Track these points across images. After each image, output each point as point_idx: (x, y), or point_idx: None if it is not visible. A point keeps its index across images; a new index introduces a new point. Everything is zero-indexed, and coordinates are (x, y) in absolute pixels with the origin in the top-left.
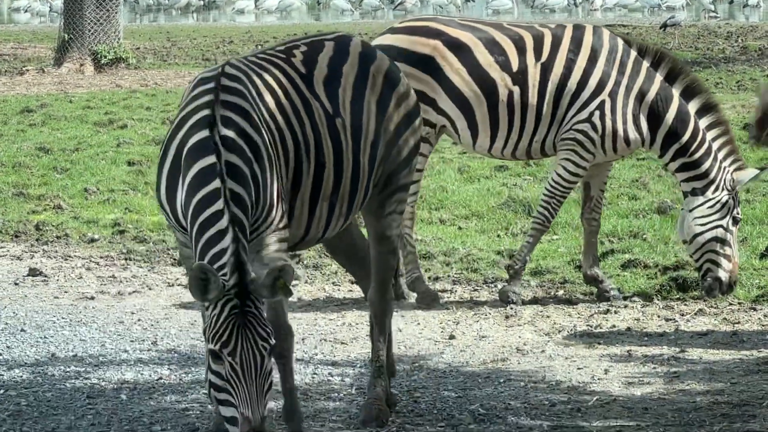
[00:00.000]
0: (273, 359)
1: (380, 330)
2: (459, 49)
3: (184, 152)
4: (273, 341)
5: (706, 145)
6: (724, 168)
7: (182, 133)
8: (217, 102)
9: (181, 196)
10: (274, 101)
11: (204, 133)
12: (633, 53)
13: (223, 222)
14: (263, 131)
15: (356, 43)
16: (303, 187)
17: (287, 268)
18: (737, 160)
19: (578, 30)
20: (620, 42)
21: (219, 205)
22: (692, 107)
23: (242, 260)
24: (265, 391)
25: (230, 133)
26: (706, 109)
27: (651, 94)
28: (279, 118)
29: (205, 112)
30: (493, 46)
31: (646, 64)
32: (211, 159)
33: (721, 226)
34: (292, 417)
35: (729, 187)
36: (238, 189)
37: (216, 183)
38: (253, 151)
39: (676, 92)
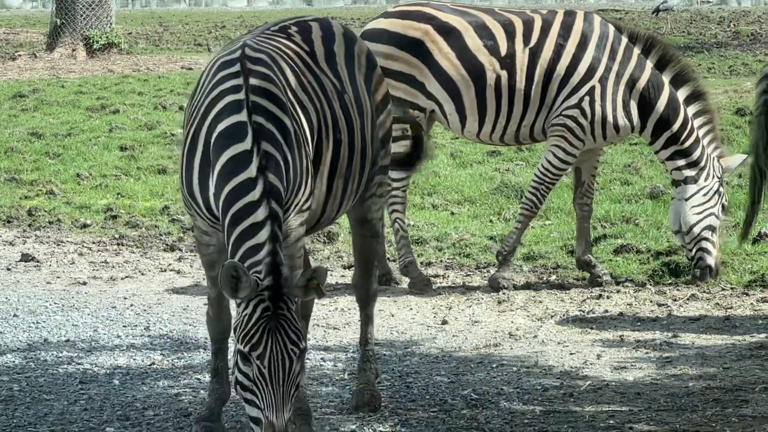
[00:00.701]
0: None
1: (367, 314)
2: (449, 33)
3: (213, 138)
4: (303, 345)
5: (695, 133)
6: (710, 155)
7: (210, 118)
8: (246, 87)
9: (212, 184)
10: (296, 80)
11: (235, 119)
12: (624, 39)
13: (259, 215)
14: (291, 113)
15: (337, 25)
16: (322, 165)
17: (321, 270)
18: (718, 147)
19: (569, 16)
20: (611, 28)
21: (254, 196)
22: (681, 95)
23: (278, 261)
24: (292, 395)
25: (262, 120)
26: (694, 96)
27: (642, 81)
28: (302, 96)
29: (235, 97)
30: (482, 31)
31: (637, 50)
32: (244, 146)
33: (713, 214)
34: (300, 413)
35: (718, 174)
36: (274, 181)
37: (251, 172)
38: (283, 136)
39: (665, 79)
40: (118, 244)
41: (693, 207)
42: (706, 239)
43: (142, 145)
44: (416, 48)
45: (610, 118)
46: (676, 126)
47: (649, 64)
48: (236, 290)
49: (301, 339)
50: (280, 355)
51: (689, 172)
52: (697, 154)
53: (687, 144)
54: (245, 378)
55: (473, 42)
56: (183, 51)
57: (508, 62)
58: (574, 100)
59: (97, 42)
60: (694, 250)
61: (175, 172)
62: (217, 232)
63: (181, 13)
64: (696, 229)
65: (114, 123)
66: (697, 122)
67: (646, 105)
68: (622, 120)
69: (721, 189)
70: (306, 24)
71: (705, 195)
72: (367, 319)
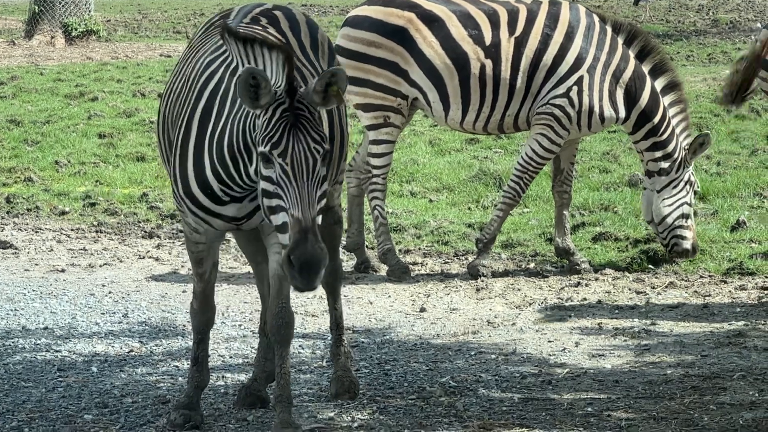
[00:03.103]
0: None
1: (335, 298)
2: (433, 21)
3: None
4: (327, 146)
5: (671, 125)
6: (682, 145)
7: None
8: None
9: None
10: None
11: None
12: (609, 30)
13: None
14: None
15: (299, 12)
16: None
17: (340, 73)
18: (689, 135)
19: (554, 6)
20: (596, 18)
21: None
22: (658, 85)
23: (293, 65)
24: (317, 197)
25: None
26: (670, 87)
27: (627, 72)
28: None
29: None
30: (467, 20)
31: (620, 41)
32: None
33: (686, 203)
34: (281, 400)
35: (688, 163)
36: None
37: None
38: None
39: (645, 70)
40: (96, 232)
41: (665, 199)
42: (680, 227)
43: (121, 133)
44: (400, 35)
45: (597, 108)
46: (656, 118)
47: (632, 55)
48: (256, 98)
49: (324, 140)
50: (303, 153)
51: (664, 164)
52: (672, 145)
53: (665, 136)
54: (269, 183)
55: (457, 31)
56: (162, 39)
57: (492, 51)
58: (561, 89)
59: (76, 29)
60: (668, 239)
61: (154, 159)
62: (207, 230)
63: (159, 0)
64: (669, 220)
65: (93, 110)
66: (671, 111)
67: (630, 96)
68: (608, 111)
69: (692, 178)
70: (271, 13)
71: (676, 187)
72: (335, 303)
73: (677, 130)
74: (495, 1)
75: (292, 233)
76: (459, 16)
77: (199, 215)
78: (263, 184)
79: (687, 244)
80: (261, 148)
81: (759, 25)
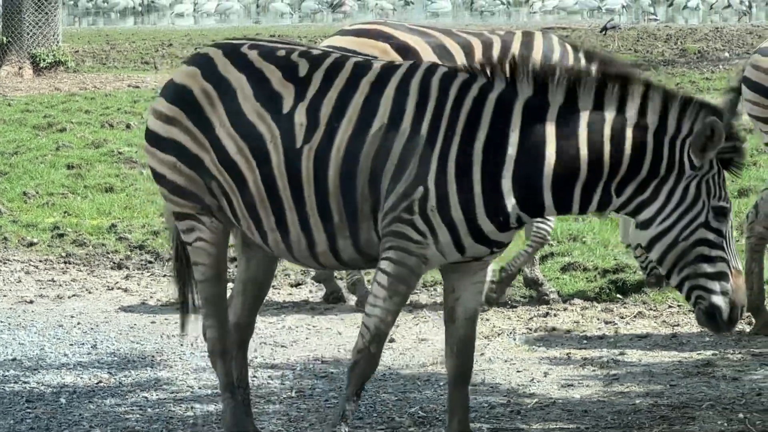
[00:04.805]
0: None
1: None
2: (407, 53)
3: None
4: None
5: None
6: None
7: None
8: None
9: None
10: None
11: None
12: (581, 59)
13: None
14: None
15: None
16: None
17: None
18: None
19: (527, 36)
20: (569, 48)
21: None
22: None
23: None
24: None
25: None
26: None
27: None
28: None
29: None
30: (441, 51)
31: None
32: None
33: None
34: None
35: None
36: None
37: None
38: None
39: None
40: (65, 263)
41: None
42: None
43: (89, 164)
44: None
45: None
46: None
47: None
48: (704, 150)
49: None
50: None
51: None
52: None
53: None
54: (717, 235)
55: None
56: (130, 69)
57: None
58: None
59: (44, 60)
60: (645, 263)
61: (122, 190)
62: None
63: (128, 31)
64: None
65: (61, 141)
66: None
67: None
68: None
69: None
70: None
71: None
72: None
73: None
74: (468, 32)
75: (735, 282)
76: (434, 47)
77: (462, 244)
78: (710, 235)
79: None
80: (720, 203)
81: (727, 54)
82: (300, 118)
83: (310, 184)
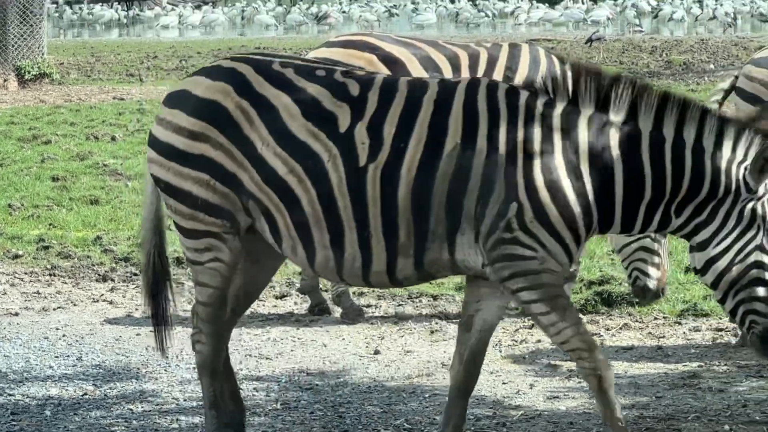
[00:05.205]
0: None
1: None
2: (394, 64)
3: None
4: None
5: None
6: None
7: None
8: None
9: None
10: None
11: None
12: (568, 72)
13: None
14: None
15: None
16: None
17: None
18: None
19: (514, 48)
20: (555, 60)
21: None
22: None
23: None
24: None
25: None
26: None
27: None
28: None
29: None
30: (428, 63)
31: None
32: None
33: (648, 236)
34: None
35: None
36: None
37: None
38: None
39: None
40: (50, 275)
41: None
42: (642, 260)
43: (75, 176)
44: None
45: None
46: None
47: None
48: (760, 173)
49: None
50: None
51: None
52: None
53: None
54: None
55: (419, 74)
56: (115, 81)
57: None
58: None
59: (29, 72)
60: (629, 271)
61: (107, 202)
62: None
63: (113, 43)
64: (627, 250)
65: (46, 153)
66: None
67: None
68: None
69: None
70: None
71: None
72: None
73: None
74: (454, 44)
75: None
76: (420, 58)
77: (570, 250)
78: (766, 258)
79: (650, 283)
80: None
81: (712, 66)
82: (361, 137)
83: (376, 203)
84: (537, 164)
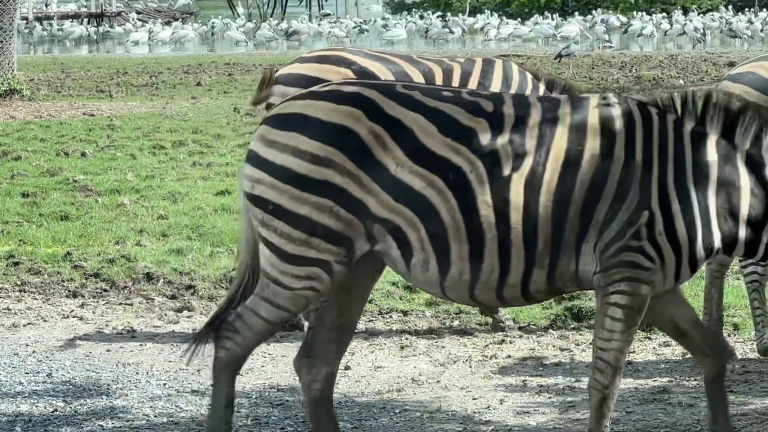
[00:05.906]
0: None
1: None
2: (369, 78)
3: None
4: None
5: None
6: None
7: None
8: None
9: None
10: None
11: None
12: (542, 87)
13: None
14: None
15: None
16: None
17: None
18: None
19: (488, 64)
20: (529, 76)
21: None
22: None
23: None
24: None
25: None
26: None
27: None
28: None
29: None
30: (403, 77)
31: None
32: None
33: None
34: None
35: None
36: None
37: None
38: None
39: None
40: (20, 291)
41: None
42: None
43: (45, 192)
44: None
45: None
46: None
47: None
48: None
49: None
50: None
51: None
52: None
53: None
54: None
55: None
56: (85, 98)
57: None
58: None
59: None
60: None
61: (77, 218)
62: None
63: (83, 59)
64: None
65: (16, 169)
66: None
67: None
68: None
69: None
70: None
71: None
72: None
73: None
74: (429, 59)
75: None
76: (394, 73)
77: (680, 271)
78: None
79: None
80: None
81: (682, 81)
82: (504, 148)
83: (518, 211)
84: (671, 176)
